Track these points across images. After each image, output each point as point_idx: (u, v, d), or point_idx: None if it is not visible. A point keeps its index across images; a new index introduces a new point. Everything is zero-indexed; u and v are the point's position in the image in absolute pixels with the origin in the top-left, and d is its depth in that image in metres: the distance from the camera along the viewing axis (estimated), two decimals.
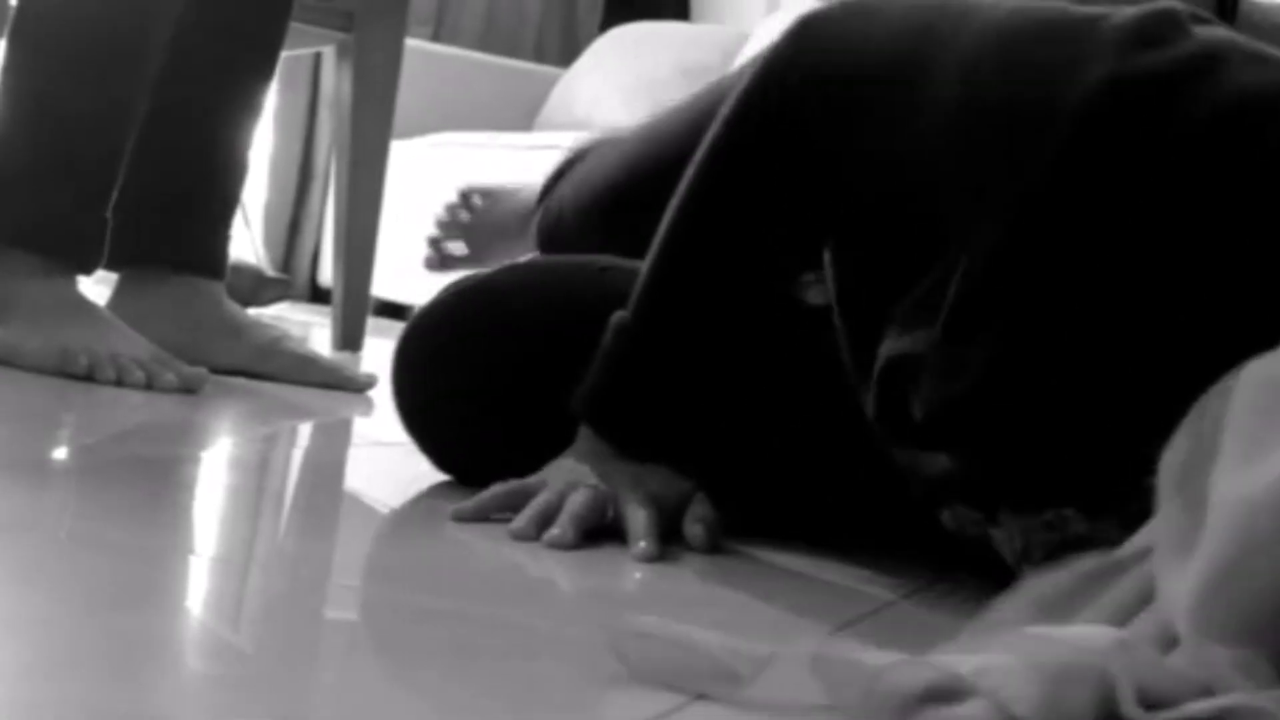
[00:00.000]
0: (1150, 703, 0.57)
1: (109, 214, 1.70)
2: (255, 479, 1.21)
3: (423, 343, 1.22)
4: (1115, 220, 0.83)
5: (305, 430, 1.63)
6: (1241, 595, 0.59)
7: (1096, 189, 0.83)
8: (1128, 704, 0.57)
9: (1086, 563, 0.71)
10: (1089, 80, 0.83)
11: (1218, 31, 0.88)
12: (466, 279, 1.24)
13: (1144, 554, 0.67)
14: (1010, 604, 0.71)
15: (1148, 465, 0.75)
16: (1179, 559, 0.62)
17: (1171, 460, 0.69)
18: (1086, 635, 0.60)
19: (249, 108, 1.94)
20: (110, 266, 1.86)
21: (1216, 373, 0.72)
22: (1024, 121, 0.85)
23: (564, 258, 1.33)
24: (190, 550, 0.86)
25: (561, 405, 1.10)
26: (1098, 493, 0.87)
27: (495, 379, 1.19)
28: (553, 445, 1.08)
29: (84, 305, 1.66)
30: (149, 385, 1.57)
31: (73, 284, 1.67)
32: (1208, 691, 0.56)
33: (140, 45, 1.70)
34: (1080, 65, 0.84)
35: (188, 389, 1.59)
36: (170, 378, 1.59)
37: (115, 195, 1.71)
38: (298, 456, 1.42)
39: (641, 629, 0.66)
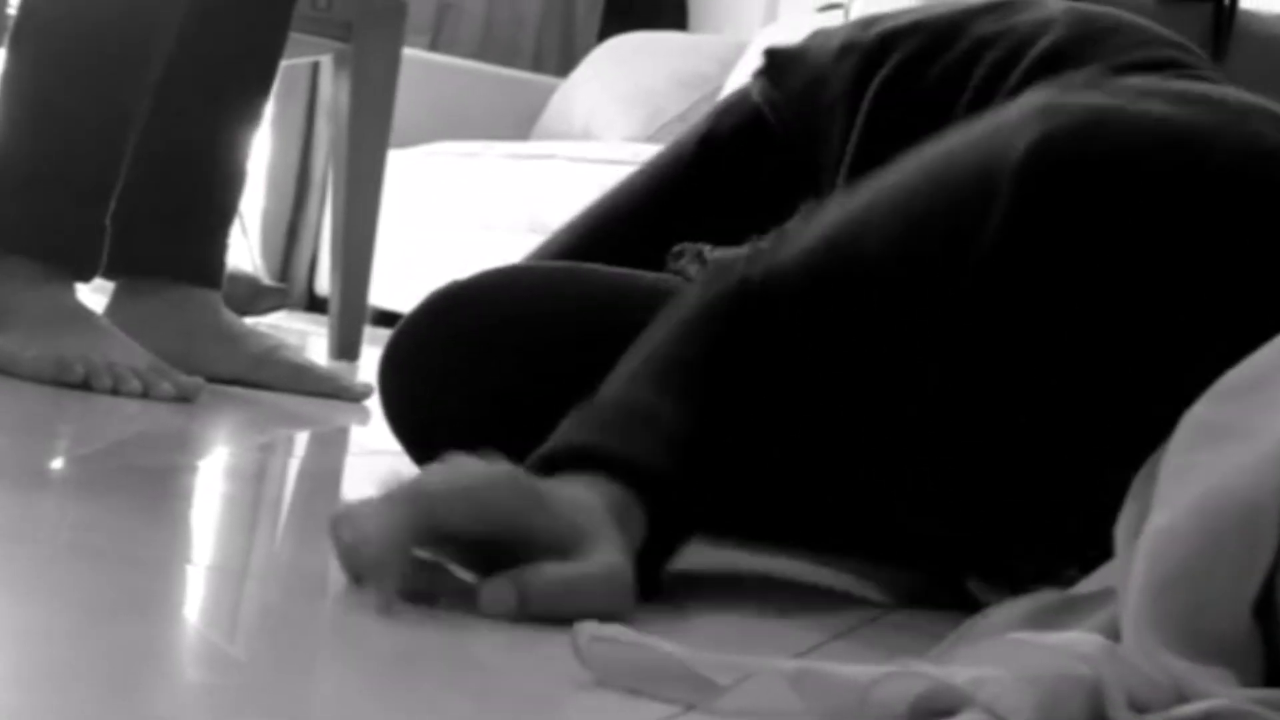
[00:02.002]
0: (1138, 708, 0.58)
1: (108, 221, 1.70)
2: (252, 488, 1.21)
3: (409, 347, 1.23)
4: (1060, 275, 0.84)
5: (302, 439, 1.63)
6: (1166, 626, 0.60)
7: (1041, 245, 0.84)
8: (1118, 709, 0.57)
9: (1046, 596, 0.73)
10: (1021, 148, 0.84)
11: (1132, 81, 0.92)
12: (451, 284, 1.24)
13: (1103, 594, 0.69)
14: (977, 629, 0.72)
15: (1105, 511, 0.76)
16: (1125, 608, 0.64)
17: (1123, 522, 0.70)
18: (1076, 641, 0.60)
19: (247, 117, 1.94)
20: (107, 275, 1.86)
21: (1167, 410, 0.73)
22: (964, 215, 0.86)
23: (546, 262, 1.34)
24: (187, 559, 0.86)
25: (548, 406, 1.10)
26: (1062, 543, 0.88)
27: (482, 381, 1.19)
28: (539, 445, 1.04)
29: (81, 313, 1.66)
30: (145, 394, 1.57)
31: (70, 291, 1.68)
32: (1189, 698, 0.57)
33: (141, 53, 1.70)
34: (1009, 149, 0.85)
35: (184, 398, 1.60)
36: (167, 387, 1.59)
37: (114, 202, 1.71)
38: (294, 465, 1.42)
39: (606, 635, 0.66)
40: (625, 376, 0.91)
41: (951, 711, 0.56)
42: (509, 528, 0.75)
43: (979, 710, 0.56)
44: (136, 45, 1.70)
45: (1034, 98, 0.88)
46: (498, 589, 0.74)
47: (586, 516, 0.78)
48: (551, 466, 0.83)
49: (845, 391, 0.89)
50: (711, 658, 0.64)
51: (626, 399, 0.88)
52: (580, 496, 0.79)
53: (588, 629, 0.66)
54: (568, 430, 0.87)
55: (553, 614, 0.73)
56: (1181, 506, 0.62)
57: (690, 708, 0.63)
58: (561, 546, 0.75)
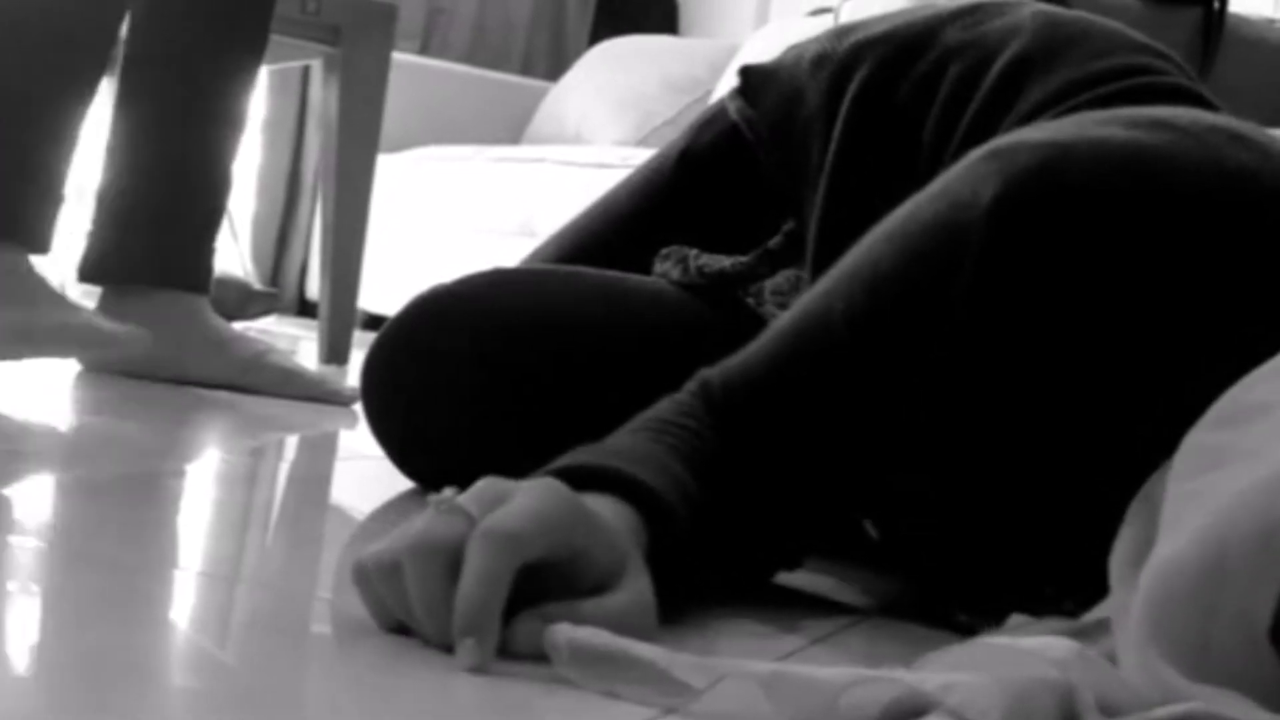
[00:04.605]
0: (1110, 712, 0.58)
1: (64, 191, 1.70)
2: (241, 493, 1.22)
3: (392, 351, 1.23)
4: (1042, 308, 0.84)
5: (290, 444, 1.63)
6: (1172, 657, 0.60)
7: (1022, 281, 0.84)
8: (1089, 712, 0.58)
9: (1053, 624, 0.73)
10: (989, 189, 0.84)
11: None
12: (434, 288, 1.25)
13: (1107, 622, 0.69)
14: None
15: (1098, 539, 0.76)
16: (1128, 633, 0.64)
17: (1120, 548, 0.70)
18: (1048, 646, 0.61)
19: (231, 120, 1.94)
20: (93, 280, 1.87)
21: (1157, 433, 0.73)
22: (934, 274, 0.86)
23: (527, 266, 1.34)
24: (176, 564, 0.86)
25: (529, 408, 1.10)
26: (1054, 573, 0.89)
27: (463, 384, 1.19)
28: (522, 449, 0.99)
29: (29, 281, 1.65)
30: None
31: (23, 261, 1.66)
32: (1164, 703, 0.58)
33: (85, 26, 1.69)
34: (975, 195, 0.85)
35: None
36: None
37: (67, 174, 1.71)
38: (283, 470, 1.43)
39: (582, 637, 0.67)
40: (629, 431, 0.91)
41: (922, 715, 0.57)
42: (572, 554, 0.73)
43: (948, 714, 0.56)
44: (80, 19, 1.69)
45: (981, 148, 0.87)
46: (556, 637, 0.69)
47: (625, 541, 0.77)
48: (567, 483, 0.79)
49: (833, 455, 0.90)
50: (686, 660, 0.64)
51: (638, 446, 0.88)
52: (613, 517, 0.78)
53: (564, 631, 0.67)
54: (579, 455, 0.85)
55: None
56: (1186, 534, 0.62)
57: (670, 711, 0.64)
58: (608, 573, 0.74)
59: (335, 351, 2.57)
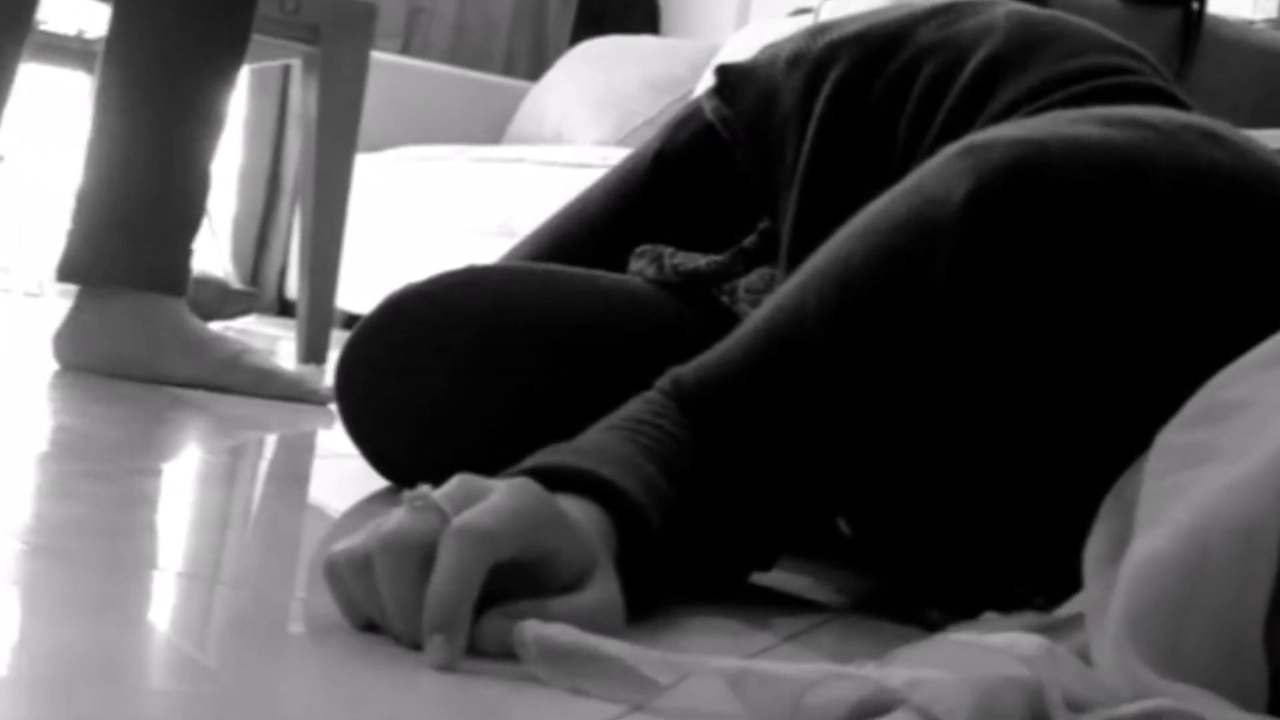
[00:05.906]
0: (1079, 709, 0.59)
1: None
2: (218, 492, 1.22)
3: (364, 348, 1.23)
4: (1017, 306, 0.84)
5: (268, 443, 1.63)
6: (1146, 654, 0.60)
7: (996, 279, 0.84)
8: (1057, 709, 0.59)
9: (1024, 620, 0.73)
10: (962, 186, 0.84)
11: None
12: (406, 286, 1.25)
13: (1079, 618, 0.69)
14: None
15: (1071, 536, 0.77)
16: (1104, 630, 0.64)
17: (1093, 545, 0.71)
18: (1016, 643, 0.61)
19: (211, 119, 1.93)
20: (71, 280, 1.86)
21: (1131, 432, 0.74)
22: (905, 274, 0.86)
23: (501, 264, 1.35)
24: (153, 565, 0.87)
25: (502, 405, 1.11)
26: (1028, 570, 0.90)
27: (434, 381, 1.20)
28: (495, 447, 0.98)
29: None
30: None
31: None
32: (1133, 699, 0.58)
33: None
34: (947, 192, 0.85)
35: None
36: None
37: None
38: (262, 470, 1.43)
39: (549, 634, 0.67)
40: (601, 430, 0.92)
41: (888, 712, 0.58)
42: (543, 554, 0.73)
43: (914, 710, 0.57)
44: None
45: (954, 145, 0.87)
46: (524, 634, 0.69)
47: (595, 543, 0.77)
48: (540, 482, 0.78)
49: (807, 453, 0.90)
50: (654, 657, 0.65)
51: (611, 446, 0.88)
52: (583, 518, 0.78)
53: (532, 628, 0.67)
54: (549, 455, 0.86)
55: None
56: (1167, 532, 0.62)
57: (637, 708, 0.65)
58: (578, 574, 0.75)
59: (313, 351, 2.57)
